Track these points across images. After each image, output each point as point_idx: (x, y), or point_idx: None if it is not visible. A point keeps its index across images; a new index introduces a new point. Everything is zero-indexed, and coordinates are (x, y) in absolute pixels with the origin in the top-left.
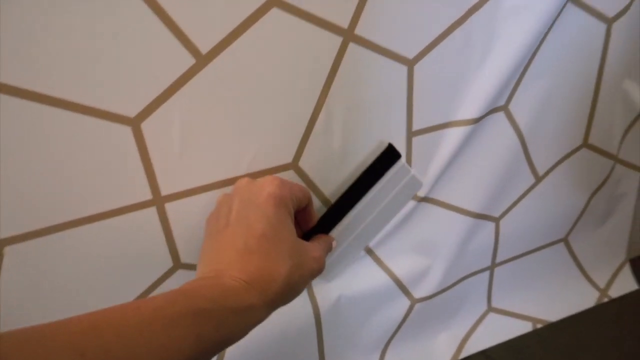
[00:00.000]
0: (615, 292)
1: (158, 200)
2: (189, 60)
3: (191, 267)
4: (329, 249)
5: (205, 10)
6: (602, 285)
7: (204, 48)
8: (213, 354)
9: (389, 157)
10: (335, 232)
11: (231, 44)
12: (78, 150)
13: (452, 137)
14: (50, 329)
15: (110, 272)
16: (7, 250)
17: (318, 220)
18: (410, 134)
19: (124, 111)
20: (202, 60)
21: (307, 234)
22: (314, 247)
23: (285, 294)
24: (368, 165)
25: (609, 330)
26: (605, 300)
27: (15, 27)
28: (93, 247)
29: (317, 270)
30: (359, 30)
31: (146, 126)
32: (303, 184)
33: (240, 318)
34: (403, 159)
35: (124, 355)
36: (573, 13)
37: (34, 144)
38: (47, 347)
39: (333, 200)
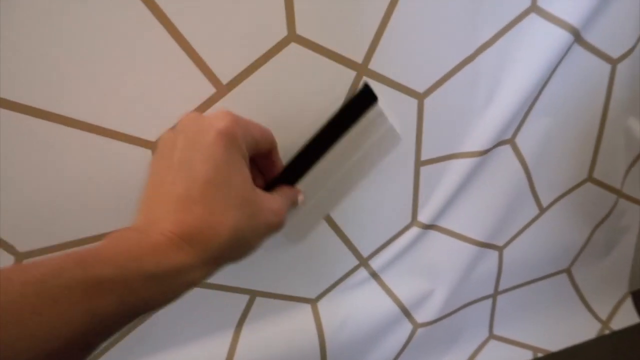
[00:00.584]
0: (617, 324)
1: None
2: (210, 90)
3: (204, 284)
4: (293, 202)
5: (227, 43)
6: (603, 317)
7: (225, 78)
8: (123, 325)
9: (364, 99)
10: (302, 184)
11: (250, 75)
12: (99, 170)
13: (459, 167)
14: None
15: None
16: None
17: (282, 168)
18: (419, 163)
19: (146, 135)
20: (222, 89)
21: (269, 185)
22: (273, 199)
23: (233, 250)
24: (340, 106)
25: None
26: (607, 332)
27: (47, 54)
28: None
29: (276, 225)
30: (372, 65)
31: None
32: None
33: (161, 283)
34: (381, 104)
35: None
36: (579, 54)
37: (59, 163)
38: None
39: (344, 229)
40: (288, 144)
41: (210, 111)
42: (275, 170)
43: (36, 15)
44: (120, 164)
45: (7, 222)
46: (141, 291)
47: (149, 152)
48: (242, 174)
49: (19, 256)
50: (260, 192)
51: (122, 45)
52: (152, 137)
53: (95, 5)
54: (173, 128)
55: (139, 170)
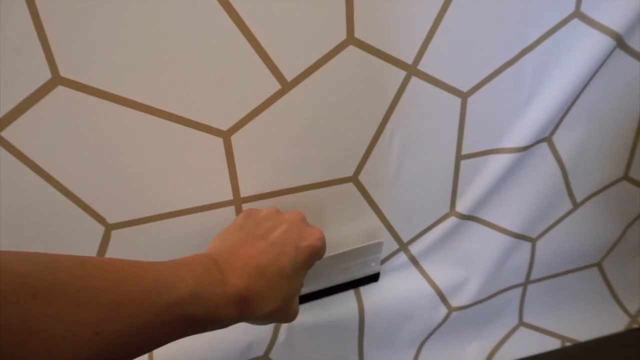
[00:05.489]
0: None
1: (237, 201)
2: (276, 86)
3: None
4: None
5: (293, 44)
6: (633, 311)
7: (289, 76)
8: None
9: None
10: None
11: (312, 74)
12: (176, 155)
13: (498, 162)
14: (75, 291)
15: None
16: (113, 234)
17: None
18: (460, 157)
19: (217, 124)
20: (287, 86)
21: None
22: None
23: (256, 322)
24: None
25: (636, 356)
26: (635, 326)
27: (135, 47)
28: (181, 236)
29: (289, 320)
30: (421, 66)
31: (235, 139)
32: (363, 199)
33: (215, 327)
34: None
35: (136, 342)
36: (620, 57)
37: (146, 148)
38: (66, 320)
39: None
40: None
41: (276, 104)
42: None
43: (127, 20)
44: (195, 148)
45: (99, 196)
46: (205, 329)
47: (220, 140)
48: (301, 280)
49: (108, 227)
50: (297, 299)
51: (198, 44)
52: (223, 127)
53: (175, 5)
54: (280, 211)
55: (211, 155)
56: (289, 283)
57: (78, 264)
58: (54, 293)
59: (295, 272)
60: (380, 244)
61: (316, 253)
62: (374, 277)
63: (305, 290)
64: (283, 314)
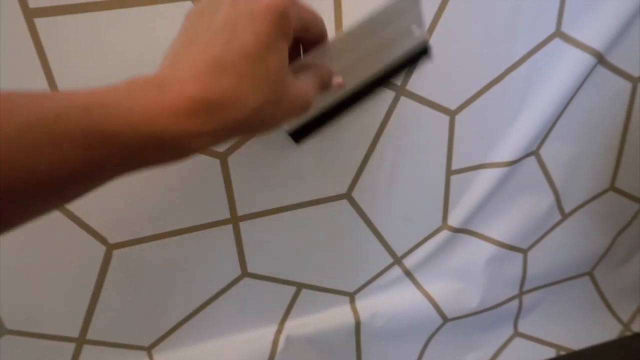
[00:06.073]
0: (638, 327)
1: (235, 219)
2: None
3: (258, 276)
4: (325, 85)
5: None
6: (625, 319)
7: None
8: (119, 175)
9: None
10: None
11: None
12: (176, 177)
13: (487, 176)
14: None
15: (186, 276)
16: (115, 253)
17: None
18: (450, 172)
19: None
20: None
21: (304, 61)
22: (303, 82)
23: (250, 126)
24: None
25: None
26: (628, 334)
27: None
28: (178, 255)
29: (303, 109)
30: (410, 86)
31: (231, 159)
32: (357, 215)
33: (166, 147)
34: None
35: (29, 162)
36: (602, 73)
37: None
38: None
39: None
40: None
41: None
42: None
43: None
44: (192, 171)
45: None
46: (145, 152)
47: (217, 161)
48: (280, 56)
49: (110, 247)
50: (292, 79)
51: None
52: (219, 149)
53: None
54: None
55: (208, 176)
56: (263, 63)
57: None
58: None
59: (263, 47)
60: None
61: (281, 13)
62: (423, 51)
63: (348, 87)
64: (282, 103)
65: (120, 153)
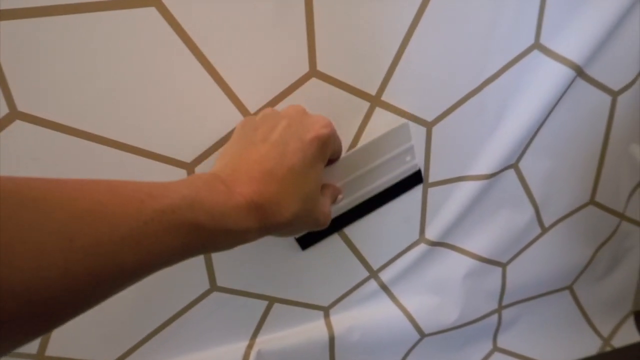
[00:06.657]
0: (618, 342)
1: None
2: (239, 118)
3: (227, 290)
4: (335, 200)
5: (255, 76)
6: (605, 334)
7: (252, 108)
8: (187, 258)
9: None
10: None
11: (275, 106)
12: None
13: (466, 189)
14: (45, 199)
15: (150, 290)
16: None
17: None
18: (427, 185)
19: (181, 157)
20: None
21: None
22: (325, 202)
23: (283, 231)
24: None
25: None
26: (608, 349)
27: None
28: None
29: (321, 225)
30: (385, 97)
31: (200, 170)
32: None
33: (231, 238)
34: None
35: (112, 250)
36: (581, 86)
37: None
38: (37, 227)
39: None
40: None
41: None
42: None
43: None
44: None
45: None
46: (217, 240)
47: (184, 172)
48: (318, 176)
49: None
50: (320, 196)
51: (159, 77)
52: (187, 159)
53: (136, 39)
54: (277, 110)
55: None
56: (304, 181)
57: (47, 180)
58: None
59: (307, 167)
60: (406, 125)
61: (325, 142)
62: (416, 177)
63: (345, 205)
64: (310, 216)
65: (203, 240)
